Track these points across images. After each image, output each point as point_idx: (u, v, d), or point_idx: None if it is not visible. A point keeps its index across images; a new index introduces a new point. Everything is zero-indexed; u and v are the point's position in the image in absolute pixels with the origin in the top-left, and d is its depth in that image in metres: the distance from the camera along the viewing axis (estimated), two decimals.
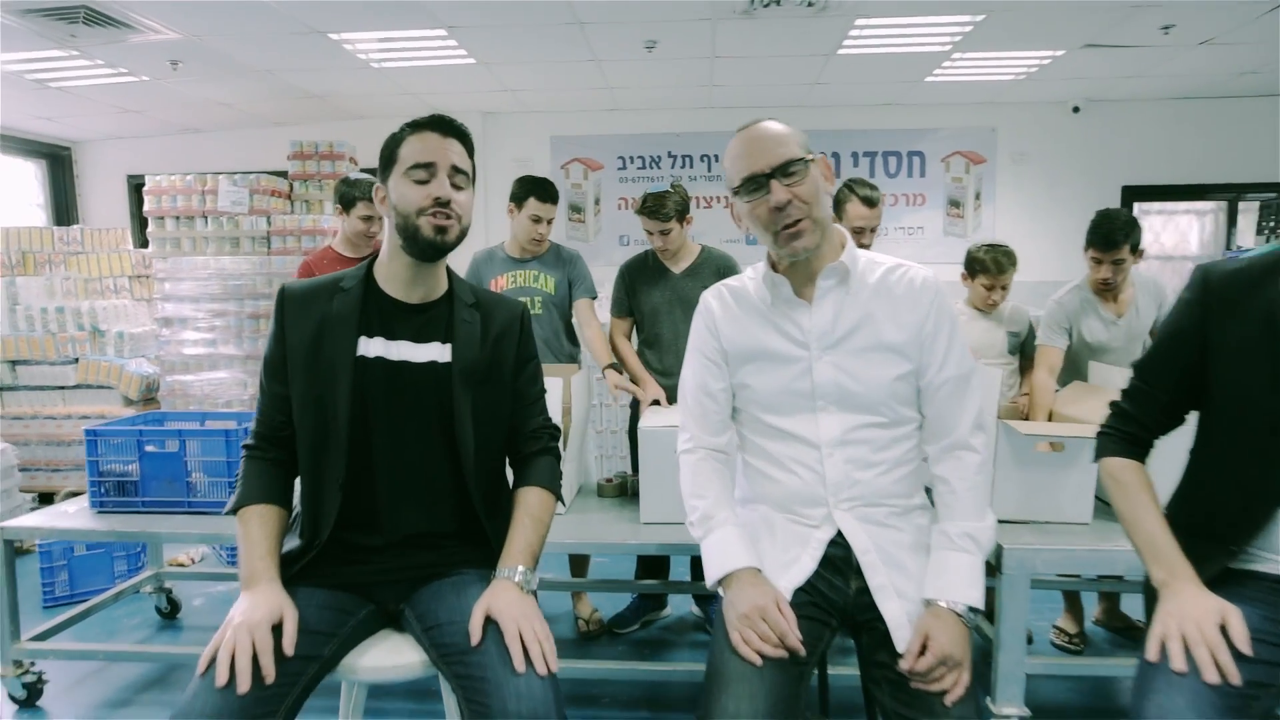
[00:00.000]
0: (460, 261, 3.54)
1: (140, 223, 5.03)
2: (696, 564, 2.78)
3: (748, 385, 1.47)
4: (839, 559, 1.40)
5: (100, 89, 4.82)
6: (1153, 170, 5.62)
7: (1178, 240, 5.89)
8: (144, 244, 5.04)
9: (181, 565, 3.55)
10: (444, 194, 1.34)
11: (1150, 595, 1.30)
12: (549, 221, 2.91)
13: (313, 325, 1.39)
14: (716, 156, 5.81)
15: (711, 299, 1.53)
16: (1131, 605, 3.01)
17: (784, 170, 1.34)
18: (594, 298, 2.94)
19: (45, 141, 6.06)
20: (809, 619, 1.35)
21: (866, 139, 5.70)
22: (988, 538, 1.38)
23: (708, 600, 3.09)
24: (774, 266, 1.47)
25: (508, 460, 1.58)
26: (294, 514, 1.46)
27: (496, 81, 5.03)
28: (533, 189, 2.86)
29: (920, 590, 1.36)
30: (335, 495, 1.36)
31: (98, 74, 4.55)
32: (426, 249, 1.37)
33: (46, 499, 4.39)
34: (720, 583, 1.38)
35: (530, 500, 1.47)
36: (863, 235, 2.75)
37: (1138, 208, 5.72)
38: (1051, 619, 2.95)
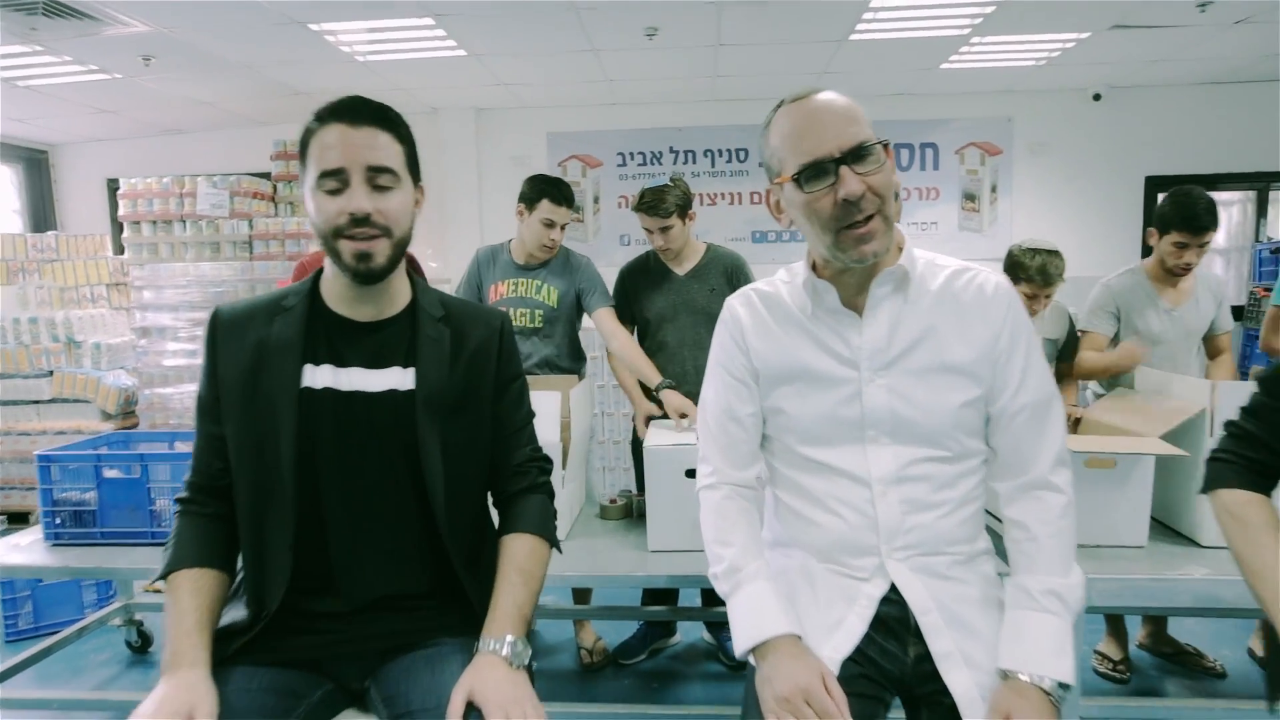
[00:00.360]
0: (461, 255, 3.33)
1: (120, 228, 4.82)
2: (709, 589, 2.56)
3: (783, 411, 1.23)
4: (894, 620, 1.17)
5: (71, 88, 4.59)
6: (1177, 159, 5.37)
7: None
8: (123, 250, 4.82)
9: (157, 591, 3.32)
10: (359, 208, 1.10)
11: (1277, 655, 1.07)
12: (563, 227, 2.66)
13: (249, 353, 1.17)
14: (720, 151, 5.58)
15: (739, 306, 1.29)
16: (1178, 628, 2.79)
17: (857, 155, 1.10)
18: (614, 305, 2.70)
19: (20, 144, 5.83)
20: (860, 695, 1.12)
21: (877, 130, 5.36)
22: (1076, 596, 1.15)
23: (720, 627, 2.90)
24: (814, 268, 1.24)
25: (491, 501, 1.34)
26: (238, 578, 1.22)
27: (490, 75, 4.81)
28: (546, 190, 2.60)
29: (994, 658, 1.12)
30: (284, 557, 1.13)
31: (67, 71, 4.32)
32: (354, 279, 1.15)
33: (20, 519, 4.18)
34: (752, 651, 1.15)
35: (518, 551, 1.23)
36: None
37: (1162, 199, 5.46)
38: (1092, 643, 2.72)
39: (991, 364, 1.18)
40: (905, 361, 1.18)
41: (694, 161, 5.61)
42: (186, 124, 5.64)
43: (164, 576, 1.14)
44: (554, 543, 1.29)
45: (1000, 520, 1.25)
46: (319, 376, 1.17)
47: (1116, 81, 5.24)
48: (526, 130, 5.66)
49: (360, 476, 1.16)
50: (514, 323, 2.72)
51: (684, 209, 2.56)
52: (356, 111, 1.11)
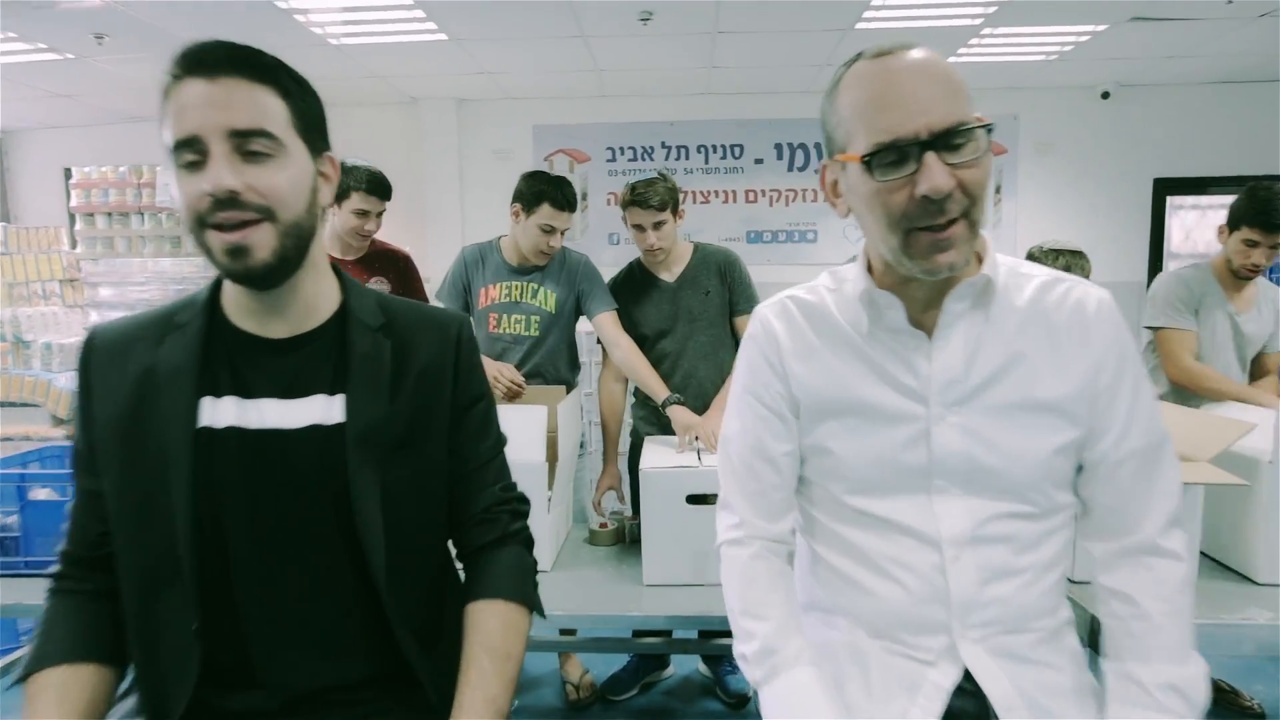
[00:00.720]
0: (441, 253, 3.10)
1: (74, 220, 4.53)
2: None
3: (829, 451, 0.99)
4: (969, 716, 0.93)
5: (20, 68, 4.29)
6: (1188, 161, 5.20)
7: (1210, 238, 5.47)
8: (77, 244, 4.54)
9: None
10: (219, 184, 0.84)
11: None
12: (563, 232, 2.41)
13: (131, 386, 0.91)
14: (715, 147, 5.35)
15: (773, 319, 1.05)
16: (1219, 667, 2.59)
17: (950, 139, 0.85)
18: (615, 308, 2.47)
19: None
20: None
21: None
22: (1200, 692, 0.92)
23: (718, 660, 2.68)
24: (870, 271, 1.00)
25: (455, 552, 1.09)
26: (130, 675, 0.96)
27: (472, 62, 4.55)
28: (547, 193, 2.35)
29: None
30: (189, 645, 0.87)
31: (13, 49, 4.02)
32: (235, 282, 0.90)
33: None
34: None
35: (488, 625, 0.98)
36: None
37: (1171, 202, 5.30)
38: None
39: (1091, 401, 0.95)
40: (985, 396, 0.94)
41: (687, 157, 5.37)
42: (148, 110, 5.31)
43: (23, 679, 0.87)
44: (534, 607, 1.04)
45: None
46: (221, 412, 0.91)
47: (1127, 79, 5.06)
48: (511, 122, 5.40)
49: (279, 538, 0.91)
50: (507, 330, 2.49)
51: (676, 204, 2.36)
52: (215, 60, 0.85)
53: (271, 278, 0.89)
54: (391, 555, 0.92)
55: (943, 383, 0.95)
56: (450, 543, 1.07)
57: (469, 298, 2.55)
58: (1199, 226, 5.45)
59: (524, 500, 1.10)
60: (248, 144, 0.85)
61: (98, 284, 4.28)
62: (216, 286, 0.97)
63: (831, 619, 1.04)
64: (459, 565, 1.09)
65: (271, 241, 0.86)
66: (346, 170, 2.57)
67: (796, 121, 5.27)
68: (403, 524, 0.94)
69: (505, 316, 2.48)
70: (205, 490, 0.88)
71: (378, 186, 2.59)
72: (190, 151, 0.84)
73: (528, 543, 1.08)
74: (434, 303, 2.67)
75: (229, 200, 0.83)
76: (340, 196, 2.55)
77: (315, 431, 0.92)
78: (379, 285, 2.73)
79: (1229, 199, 5.64)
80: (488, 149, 5.38)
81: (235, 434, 0.90)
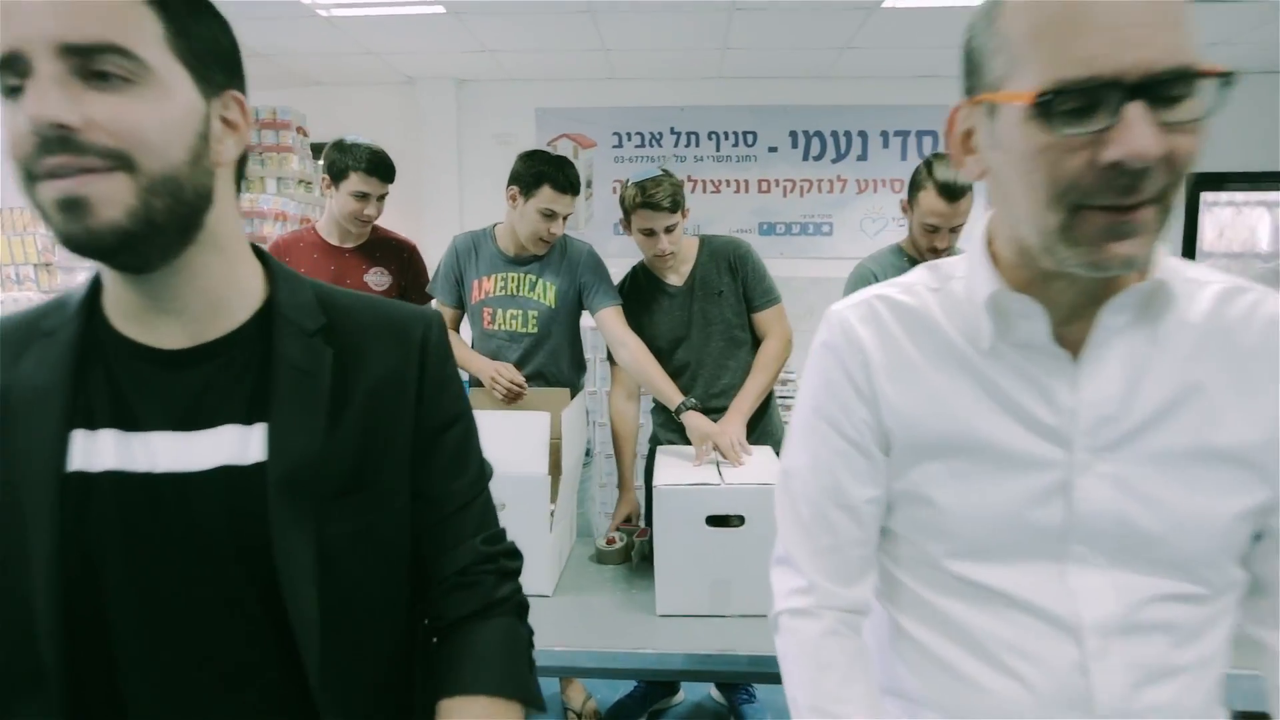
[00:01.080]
0: (436, 243, 2.88)
1: None
2: None
3: (928, 501, 0.76)
4: None
5: None
6: (1222, 156, 4.92)
7: (1246, 236, 5.23)
8: None
9: None
10: (41, 115, 0.60)
11: None
12: (565, 218, 2.21)
13: None
14: (726, 134, 5.11)
15: (857, 324, 0.81)
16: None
17: (1168, 89, 0.61)
18: (620, 303, 2.26)
19: None
20: None
21: (898, 116, 5.00)
22: None
23: (733, 687, 2.49)
24: (994, 262, 0.77)
25: (427, 623, 0.86)
26: None
27: (472, 39, 4.31)
28: (547, 174, 2.15)
29: None
30: None
31: None
32: (77, 252, 0.65)
33: None
34: None
35: None
36: (936, 236, 2.16)
37: (1204, 199, 5.06)
38: None
39: None
40: (1148, 439, 0.71)
41: (697, 144, 5.13)
42: None
43: None
44: (530, 701, 0.80)
45: None
46: (97, 451, 0.68)
47: None
48: (512, 105, 5.15)
49: (177, 622, 0.68)
50: (503, 326, 2.27)
51: (683, 202, 2.17)
52: None
53: (134, 250, 0.65)
54: (330, 639, 0.69)
55: (1093, 420, 0.72)
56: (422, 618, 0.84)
57: (462, 291, 2.34)
58: (1233, 225, 5.21)
59: (514, 555, 0.86)
60: (93, 63, 0.61)
61: (74, 269, 4.09)
62: (97, 282, 0.73)
63: (918, 710, 0.81)
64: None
65: (127, 198, 0.62)
66: (345, 148, 2.38)
67: (814, 109, 5.03)
68: (347, 596, 0.71)
69: (500, 312, 2.27)
70: (76, 557, 0.65)
71: (379, 166, 2.38)
72: (10, 74, 0.60)
73: (520, 610, 0.85)
74: (434, 301, 2.46)
75: (60, 140, 0.59)
76: (338, 177, 2.36)
77: (225, 474, 0.69)
78: (379, 277, 2.51)
79: (1265, 196, 5.39)
80: (488, 133, 5.13)
81: (116, 480, 0.67)
